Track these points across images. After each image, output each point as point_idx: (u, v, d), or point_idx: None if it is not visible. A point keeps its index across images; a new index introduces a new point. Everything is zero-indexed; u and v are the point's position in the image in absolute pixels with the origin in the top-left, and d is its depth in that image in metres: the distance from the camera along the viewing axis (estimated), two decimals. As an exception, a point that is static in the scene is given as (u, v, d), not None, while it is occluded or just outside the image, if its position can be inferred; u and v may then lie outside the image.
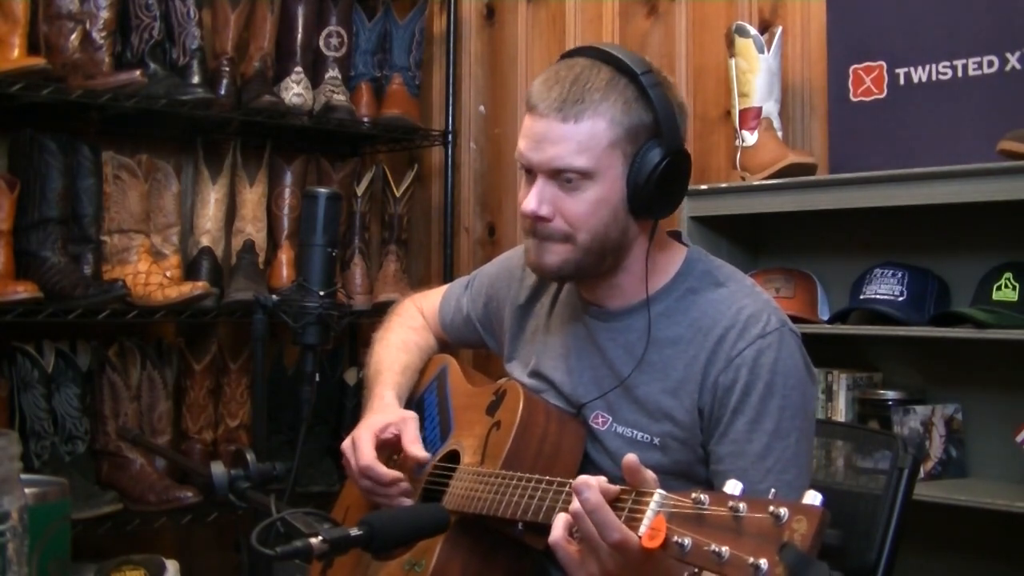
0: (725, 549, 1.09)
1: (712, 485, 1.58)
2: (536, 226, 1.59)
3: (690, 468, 1.59)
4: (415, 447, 1.71)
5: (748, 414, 1.55)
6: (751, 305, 1.60)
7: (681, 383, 1.59)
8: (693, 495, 1.15)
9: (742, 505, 1.10)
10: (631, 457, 1.25)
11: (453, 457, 1.73)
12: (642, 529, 1.19)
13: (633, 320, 1.65)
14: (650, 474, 1.26)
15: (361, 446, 1.71)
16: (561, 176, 1.56)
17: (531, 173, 1.60)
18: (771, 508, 1.07)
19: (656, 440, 1.60)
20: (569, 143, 1.54)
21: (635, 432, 1.61)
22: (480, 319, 1.94)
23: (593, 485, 1.25)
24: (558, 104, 1.54)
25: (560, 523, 1.32)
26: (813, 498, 1.07)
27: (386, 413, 1.78)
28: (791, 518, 1.06)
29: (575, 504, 1.27)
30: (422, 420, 1.84)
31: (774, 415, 1.54)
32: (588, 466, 1.64)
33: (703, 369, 1.58)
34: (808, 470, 1.60)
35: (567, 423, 1.66)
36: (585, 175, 1.55)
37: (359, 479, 1.71)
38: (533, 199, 1.57)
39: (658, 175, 1.56)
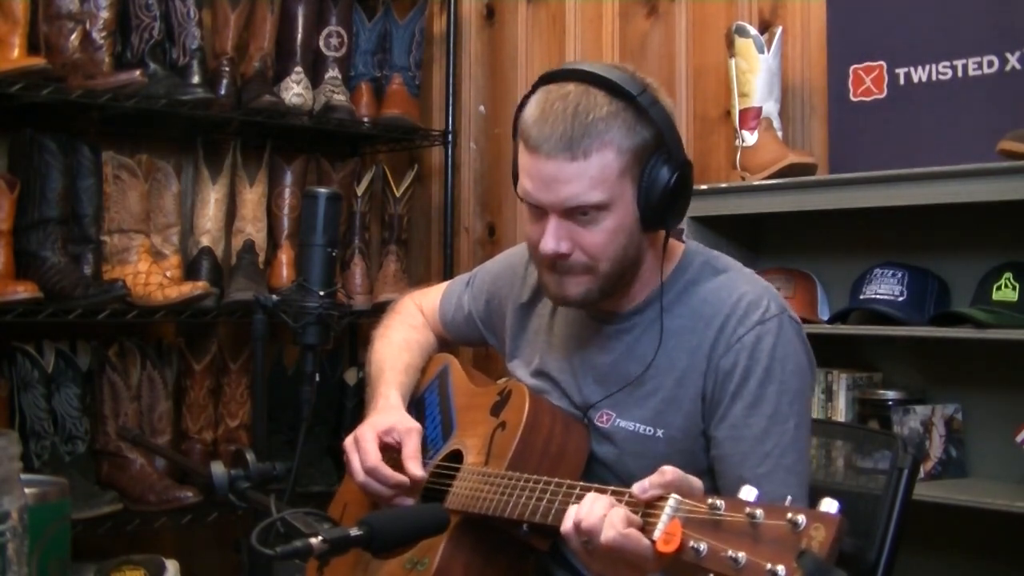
0: (742, 555, 1.08)
1: (713, 472, 1.59)
2: (556, 263, 1.58)
3: (694, 457, 1.60)
4: (413, 464, 1.69)
5: (746, 398, 1.55)
6: (751, 292, 1.60)
7: (686, 372, 1.60)
8: (709, 500, 1.15)
9: (759, 512, 1.09)
10: (670, 469, 1.25)
11: (455, 457, 1.73)
12: (657, 533, 1.19)
13: (638, 320, 1.66)
14: (696, 480, 1.26)
15: (366, 446, 1.70)
16: (576, 212, 1.54)
17: (539, 210, 1.58)
18: (789, 515, 1.07)
19: (660, 432, 1.60)
20: (582, 180, 1.52)
21: (638, 426, 1.62)
22: (481, 317, 1.94)
23: (616, 524, 1.24)
24: (564, 143, 1.51)
25: (571, 514, 1.32)
26: (830, 506, 1.07)
27: (391, 415, 1.77)
28: (809, 525, 1.06)
29: (595, 536, 1.26)
30: (423, 419, 1.84)
31: (772, 400, 1.55)
32: (593, 464, 1.65)
33: (706, 356, 1.58)
34: (807, 456, 1.60)
35: (571, 425, 1.66)
36: (601, 207, 1.53)
37: (363, 478, 1.70)
38: (551, 239, 1.55)
39: (669, 190, 1.55)
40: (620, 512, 1.25)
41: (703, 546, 1.12)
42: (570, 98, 1.53)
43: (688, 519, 1.16)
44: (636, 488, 1.25)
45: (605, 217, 1.54)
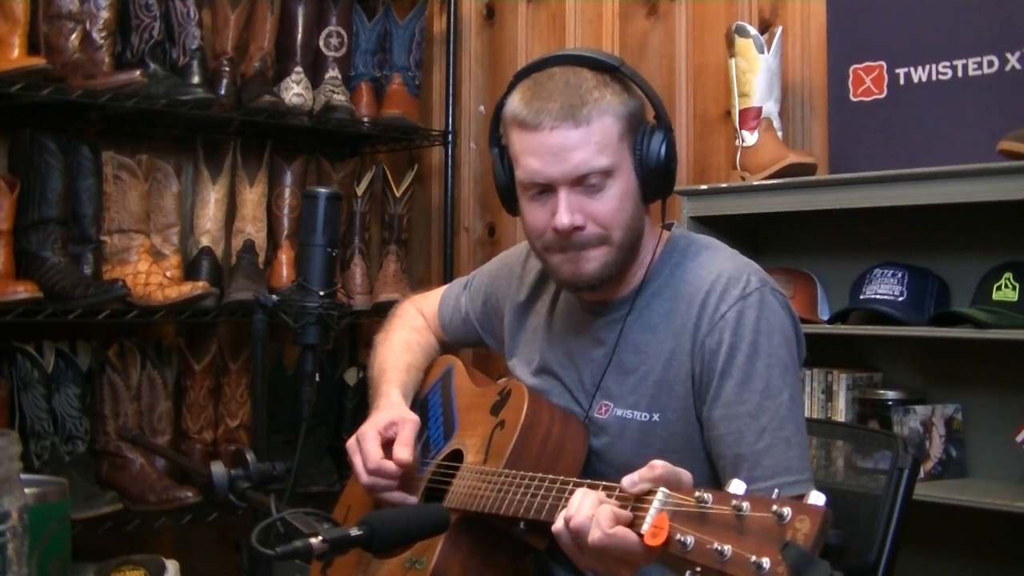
0: (727, 547, 1.09)
1: (710, 454, 1.59)
2: (570, 238, 1.58)
3: (690, 441, 1.60)
4: (401, 448, 1.70)
5: (736, 376, 1.55)
6: (730, 267, 1.61)
7: (673, 353, 1.60)
8: (696, 493, 1.16)
9: (745, 504, 1.10)
10: (660, 463, 1.25)
11: (457, 456, 1.73)
12: (645, 527, 1.20)
13: (628, 307, 1.66)
14: (686, 474, 1.26)
15: (368, 447, 1.71)
16: (585, 181, 1.56)
17: (545, 192, 1.59)
18: (774, 507, 1.07)
19: (656, 416, 1.61)
20: (588, 147, 1.55)
21: (634, 413, 1.62)
22: (479, 318, 1.94)
23: (602, 524, 1.24)
24: (566, 112, 1.54)
25: (563, 514, 1.32)
26: (816, 498, 1.07)
27: (390, 411, 1.78)
28: (794, 517, 1.06)
29: (583, 536, 1.27)
30: (426, 420, 1.84)
31: (762, 374, 1.54)
32: (594, 458, 1.65)
33: (691, 336, 1.59)
34: (804, 427, 1.59)
35: (570, 423, 1.66)
36: (607, 173, 1.56)
37: (368, 479, 1.70)
38: (564, 213, 1.56)
39: (663, 156, 1.59)
40: (607, 511, 1.25)
41: (690, 539, 1.12)
42: (557, 77, 1.58)
43: (676, 512, 1.17)
44: (626, 481, 1.25)
45: (612, 184, 1.57)
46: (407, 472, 1.72)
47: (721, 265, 1.62)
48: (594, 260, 1.60)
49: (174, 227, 2.95)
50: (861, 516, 1.73)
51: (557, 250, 1.61)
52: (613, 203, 1.57)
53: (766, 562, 1.05)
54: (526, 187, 1.61)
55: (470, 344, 2.03)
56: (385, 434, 1.73)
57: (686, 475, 1.26)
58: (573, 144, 1.55)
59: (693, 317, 1.59)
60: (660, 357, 1.61)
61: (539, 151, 1.57)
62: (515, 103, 1.59)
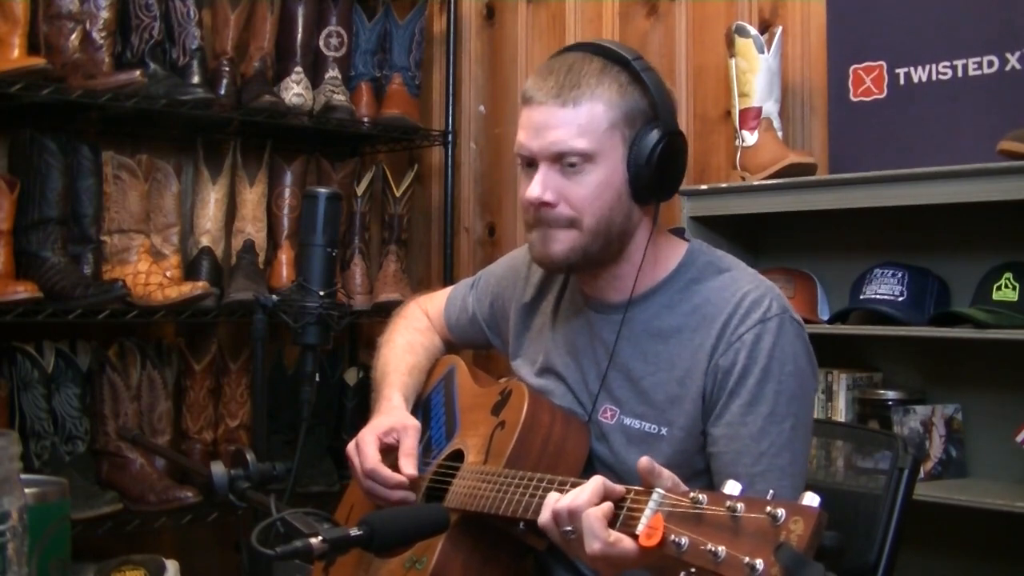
0: (722, 549, 1.09)
1: (709, 473, 1.59)
2: (540, 213, 1.60)
3: (690, 458, 1.60)
4: (406, 461, 1.71)
5: (744, 397, 1.55)
6: (754, 291, 1.61)
7: (688, 371, 1.60)
8: (692, 495, 1.16)
9: (740, 505, 1.10)
10: (645, 460, 1.26)
11: (458, 456, 1.73)
12: (640, 527, 1.20)
13: (635, 311, 1.66)
14: (666, 473, 1.26)
15: (365, 449, 1.72)
16: (563, 161, 1.58)
17: (531, 166, 1.62)
18: (768, 508, 1.08)
19: (663, 431, 1.61)
20: (569, 127, 1.57)
21: (642, 423, 1.62)
22: (486, 318, 1.94)
23: (599, 533, 1.25)
24: (556, 91, 1.58)
25: (550, 501, 1.33)
26: (811, 499, 1.08)
27: (390, 416, 1.78)
28: (788, 519, 1.06)
29: (581, 523, 1.27)
30: (429, 420, 1.84)
31: (769, 399, 1.55)
32: (593, 461, 1.65)
33: (708, 355, 1.59)
34: (804, 457, 1.60)
35: (571, 423, 1.66)
36: (587, 158, 1.57)
37: (363, 481, 1.71)
38: (537, 186, 1.59)
39: (657, 157, 1.59)
40: (598, 515, 1.26)
41: (684, 540, 1.13)
42: (568, 60, 1.62)
43: (671, 513, 1.17)
44: (643, 461, 1.26)
45: (592, 169, 1.58)
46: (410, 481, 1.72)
47: (744, 287, 1.61)
48: (561, 242, 1.61)
49: (174, 227, 2.95)
50: (861, 516, 1.73)
51: (533, 226, 1.63)
52: (589, 189, 1.58)
53: (760, 563, 1.05)
54: (518, 159, 1.64)
55: (476, 345, 2.03)
56: (384, 440, 1.74)
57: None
58: (556, 122, 1.57)
59: (712, 337, 1.59)
60: (674, 372, 1.61)
61: (526, 124, 1.61)
62: (529, 79, 1.64)
